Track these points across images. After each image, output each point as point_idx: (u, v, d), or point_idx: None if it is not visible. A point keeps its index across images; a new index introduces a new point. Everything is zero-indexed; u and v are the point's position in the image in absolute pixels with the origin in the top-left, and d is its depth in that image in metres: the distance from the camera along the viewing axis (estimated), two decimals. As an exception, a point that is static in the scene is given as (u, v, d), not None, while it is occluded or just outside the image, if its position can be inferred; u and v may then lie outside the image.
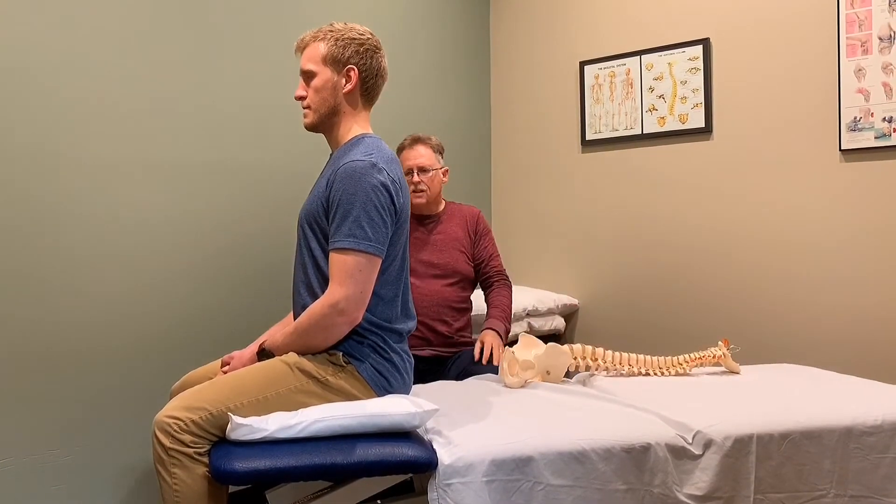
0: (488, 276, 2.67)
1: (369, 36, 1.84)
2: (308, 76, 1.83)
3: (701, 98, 2.99)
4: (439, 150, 2.65)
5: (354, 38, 1.82)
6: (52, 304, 2.19)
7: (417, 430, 1.71)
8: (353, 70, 1.81)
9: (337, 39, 1.81)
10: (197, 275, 2.51)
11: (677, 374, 2.28)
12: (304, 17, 2.83)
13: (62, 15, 2.20)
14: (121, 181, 2.33)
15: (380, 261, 1.72)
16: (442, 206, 2.70)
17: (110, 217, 2.31)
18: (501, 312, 2.57)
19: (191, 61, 2.50)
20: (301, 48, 1.86)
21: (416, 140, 2.62)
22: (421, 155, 2.58)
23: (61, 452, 2.21)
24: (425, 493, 1.59)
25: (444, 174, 2.65)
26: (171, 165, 2.45)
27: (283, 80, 2.76)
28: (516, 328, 3.02)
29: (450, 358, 2.53)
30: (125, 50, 2.34)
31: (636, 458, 1.67)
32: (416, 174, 2.56)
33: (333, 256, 1.69)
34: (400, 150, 2.64)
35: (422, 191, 2.57)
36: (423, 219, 2.64)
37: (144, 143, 2.39)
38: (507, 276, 2.70)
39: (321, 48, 1.81)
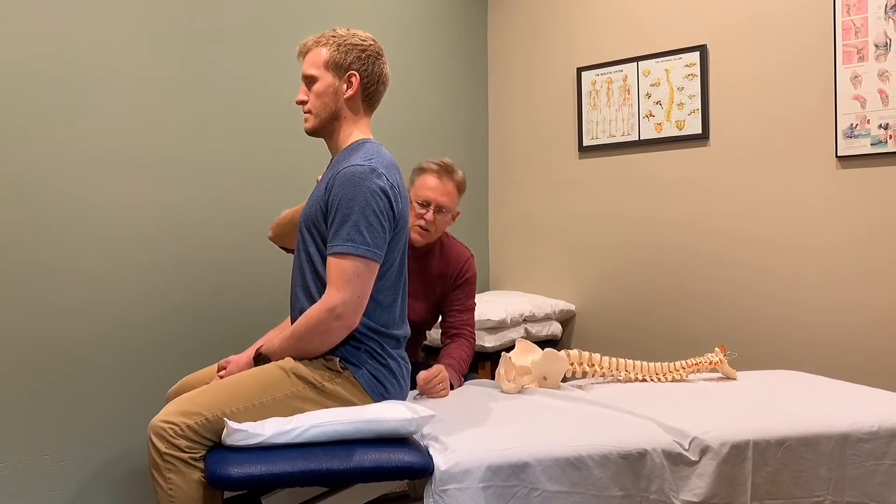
0: (455, 327, 2.32)
1: (371, 42, 1.85)
2: (310, 81, 1.83)
3: (698, 104, 2.99)
4: (462, 190, 2.31)
5: (357, 44, 1.82)
6: (47, 309, 2.18)
7: (414, 436, 1.70)
8: (355, 76, 1.81)
9: (339, 45, 1.81)
10: (194, 279, 2.51)
11: (674, 381, 2.28)
12: (306, 22, 2.83)
13: (62, 16, 2.20)
14: (121, 184, 2.33)
15: (378, 266, 1.72)
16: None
17: (107, 220, 2.31)
18: (459, 365, 2.22)
19: (193, 64, 2.50)
20: (303, 53, 1.86)
21: (446, 171, 2.25)
22: (447, 192, 2.23)
23: (56, 457, 2.20)
24: (421, 499, 1.59)
25: (453, 218, 2.31)
26: (171, 167, 2.45)
27: (285, 84, 2.76)
28: (513, 334, 3.02)
29: None
30: (126, 50, 2.34)
31: (633, 464, 1.67)
32: (430, 210, 2.21)
33: (331, 261, 1.69)
34: (421, 170, 2.27)
35: (426, 230, 2.22)
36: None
37: (146, 144, 2.38)
38: (474, 334, 2.35)
39: (323, 53, 1.82)
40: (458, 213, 2.32)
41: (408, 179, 2.37)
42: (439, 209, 2.22)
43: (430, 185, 2.23)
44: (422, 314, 2.35)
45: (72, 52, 2.23)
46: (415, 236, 2.24)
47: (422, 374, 2.07)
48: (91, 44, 2.27)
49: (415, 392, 2.09)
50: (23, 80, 2.13)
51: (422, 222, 2.22)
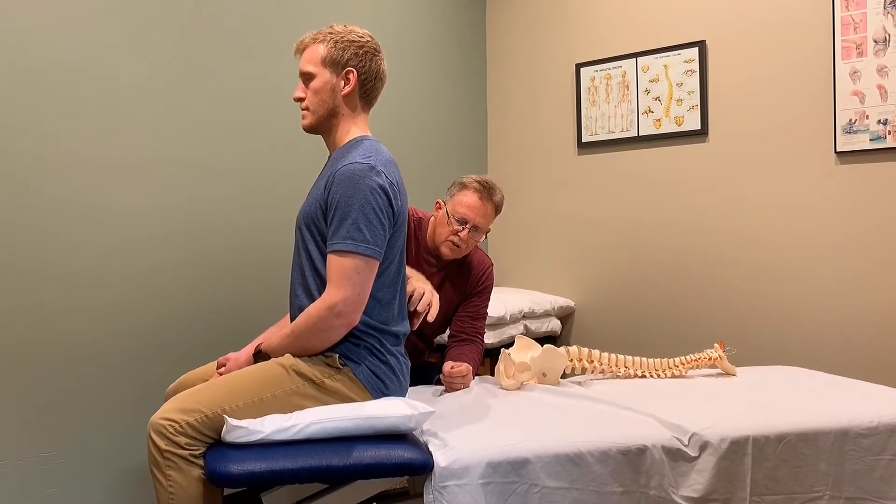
0: (466, 333, 2.32)
1: (369, 38, 1.84)
2: (307, 78, 1.83)
3: (697, 100, 2.99)
4: (499, 211, 2.30)
5: (354, 41, 1.81)
6: (47, 308, 2.18)
7: (413, 433, 1.70)
8: (353, 72, 1.81)
9: (336, 41, 1.81)
10: (193, 276, 2.51)
11: (673, 377, 2.29)
12: (303, 19, 2.83)
13: (64, 17, 2.20)
14: (119, 182, 2.33)
15: (377, 263, 1.72)
16: None
17: (107, 219, 2.31)
18: (476, 369, 2.25)
19: (191, 62, 2.49)
20: (300, 50, 1.86)
21: (488, 191, 2.23)
22: (486, 214, 2.23)
23: (56, 455, 2.20)
24: (421, 495, 1.59)
25: (484, 235, 2.31)
26: (169, 166, 2.44)
27: (283, 81, 2.76)
28: (512, 330, 3.02)
29: None
30: (125, 51, 2.34)
31: (632, 460, 1.67)
32: (466, 229, 2.20)
33: (331, 259, 1.69)
34: (462, 186, 2.25)
35: (458, 247, 2.22)
36: (431, 253, 2.30)
37: (144, 143, 2.38)
38: (484, 342, 2.36)
39: (320, 50, 1.81)
40: (489, 230, 2.30)
41: (445, 191, 2.33)
42: (475, 228, 2.22)
43: (471, 204, 2.21)
44: (439, 319, 2.31)
45: (67, 50, 2.22)
46: (445, 251, 2.23)
47: (451, 364, 2.11)
48: (86, 42, 2.26)
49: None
50: (19, 78, 2.13)
51: (455, 238, 2.21)
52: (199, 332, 2.52)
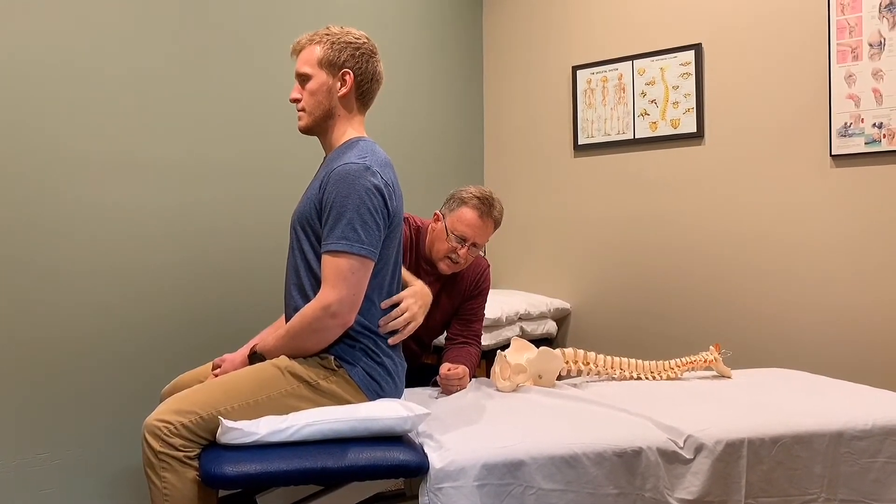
0: (463, 336, 2.33)
1: (365, 40, 1.84)
2: (303, 79, 1.83)
3: (693, 103, 3.00)
4: (499, 225, 2.27)
5: (350, 42, 1.82)
6: (42, 308, 2.17)
7: (409, 435, 1.70)
8: (349, 74, 1.81)
9: (333, 43, 1.81)
10: (188, 277, 2.50)
11: (669, 379, 2.29)
12: (300, 20, 2.83)
13: (63, 16, 2.19)
14: (115, 182, 2.32)
15: (372, 263, 1.72)
16: None
17: (102, 220, 2.30)
18: (473, 371, 2.25)
19: (188, 62, 2.49)
20: (297, 51, 1.86)
21: (488, 208, 2.19)
22: (486, 231, 2.20)
23: (51, 456, 2.20)
24: (416, 497, 1.59)
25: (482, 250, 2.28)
26: (165, 166, 2.44)
27: (279, 81, 2.76)
28: (508, 332, 3.02)
29: None
30: (125, 50, 2.33)
31: (628, 462, 1.67)
32: (466, 247, 2.18)
33: (326, 259, 1.69)
34: (462, 202, 2.20)
35: (457, 264, 2.21)
36: (429, 262, 2.28)
37: (140, 142, 2.38)
38: (481, 344, 2.37)
39: (317, 51, 1.81)
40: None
41: (443, 203, 2.28)
42: (475, 245, 2.20)
43: (471, 223, 2.17)
44: (439, 322, 2.30)
45: (67, 49, 2.22)
46: (443, 267, 2.21)
47: (448, 367, 2.11)
48: (86, 42, 2.26)
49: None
50: (19, 77, 2.12)
51: (454, 255, 2.19)
52: (195, 333, 2.52)
